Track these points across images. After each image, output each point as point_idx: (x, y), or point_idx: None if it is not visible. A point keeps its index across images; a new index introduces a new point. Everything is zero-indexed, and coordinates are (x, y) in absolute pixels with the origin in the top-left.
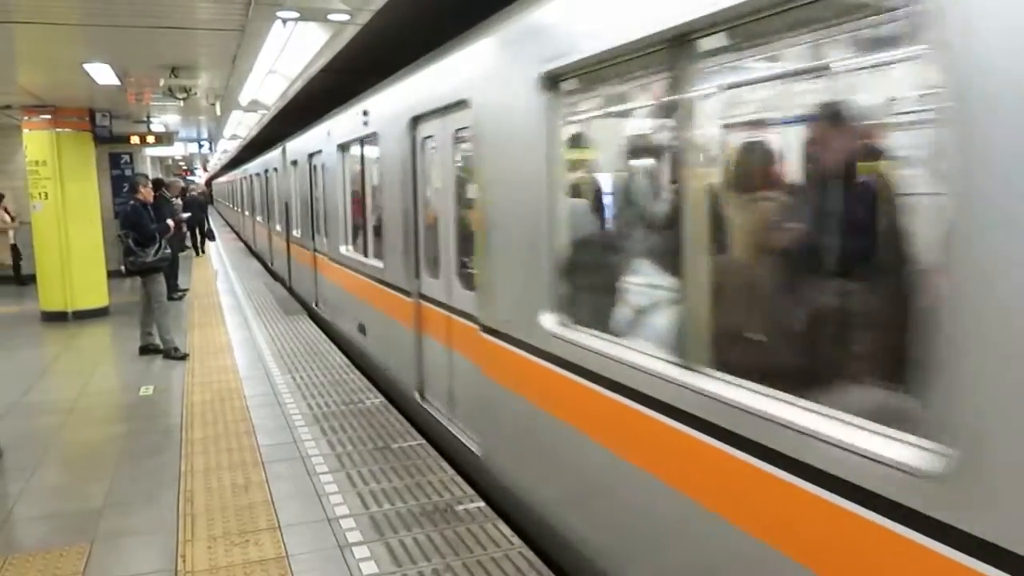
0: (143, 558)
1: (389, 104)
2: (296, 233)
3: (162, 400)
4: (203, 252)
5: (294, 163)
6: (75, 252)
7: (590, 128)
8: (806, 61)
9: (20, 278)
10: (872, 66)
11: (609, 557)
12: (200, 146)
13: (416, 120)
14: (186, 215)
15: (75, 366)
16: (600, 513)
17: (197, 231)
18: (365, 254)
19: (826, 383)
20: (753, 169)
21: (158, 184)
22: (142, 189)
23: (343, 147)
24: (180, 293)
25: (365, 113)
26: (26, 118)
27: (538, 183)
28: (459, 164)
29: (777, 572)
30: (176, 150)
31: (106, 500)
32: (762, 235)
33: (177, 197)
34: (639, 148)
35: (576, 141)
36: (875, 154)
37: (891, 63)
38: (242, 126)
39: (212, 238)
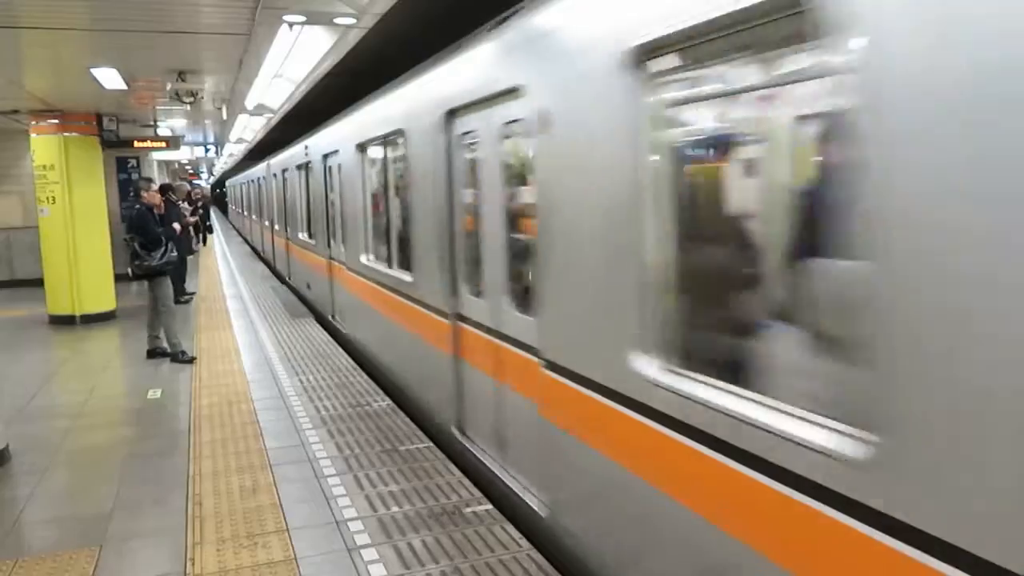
0: (152, 561)
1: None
2: (339, 248)
3: (170, 403)
4: (205, 244)
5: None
6: (82, 256)
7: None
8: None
9: None
10: None
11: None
12: (207, 150)
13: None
14: (193, 218)
15: (83, 370)
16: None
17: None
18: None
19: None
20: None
21: (165, 188)
22: (144, 193)
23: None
24: (187, 297)
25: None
26: (33, 123)
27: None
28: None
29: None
30: (183, 154)
31: (115, 503)
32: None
33: (184, 200)
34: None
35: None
36: None
37: None
38: (248, 130)
39: (211, 231)
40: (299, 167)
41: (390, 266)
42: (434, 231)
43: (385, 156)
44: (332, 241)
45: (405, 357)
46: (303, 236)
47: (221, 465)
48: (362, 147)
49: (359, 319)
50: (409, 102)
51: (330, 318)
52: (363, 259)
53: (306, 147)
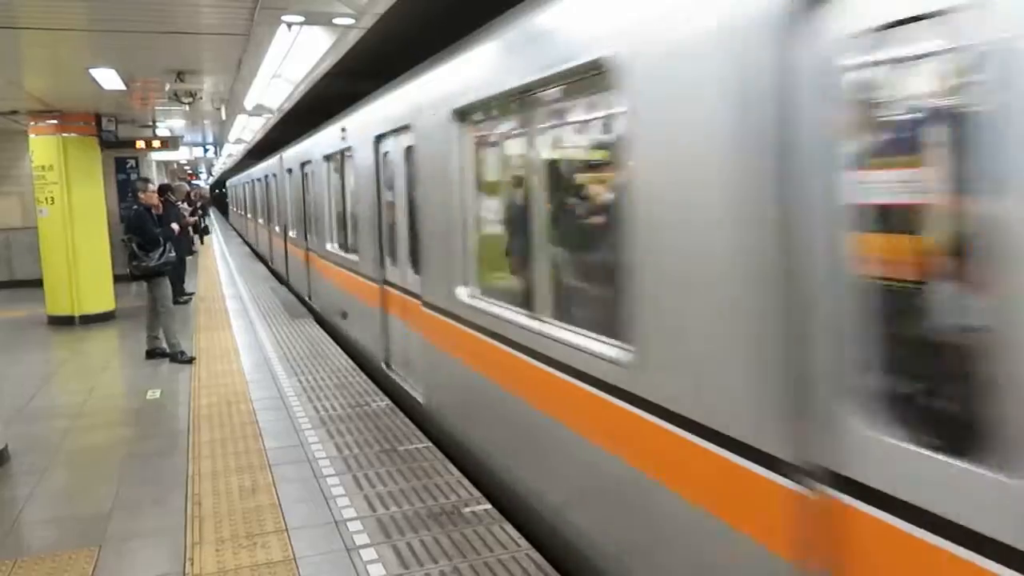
0: (152, 561)
1: None
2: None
3: (169, 404)
4: (202, 242)
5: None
6: (81, 257)
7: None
8: None
9: None
10: None
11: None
12: (205, 150)
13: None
14: (193, 219)
15: (82, 370)
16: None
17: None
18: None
19: None
20: None
21: (164, 189)
22: (141, 194)
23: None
24: (186, 297)
25: None
26: (32, 123)
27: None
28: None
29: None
30: (182, 154)
31: (114, 503)
32: None
33: (183, 201)
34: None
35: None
36: None
37: None
38: (247, 130)
39: (207, 232)
40: (328, 157)
41: (533, 312)
42: (732, 269)
43: (531, 124)
44: (389, 261)
45: (623, 519)
46: (333, 248)
47: (220, 465)
48: (466, 114)
49: (468, 400)
50: (635, 5)
51: (385, 367)
52: (465, 296)
53: (343, 129)
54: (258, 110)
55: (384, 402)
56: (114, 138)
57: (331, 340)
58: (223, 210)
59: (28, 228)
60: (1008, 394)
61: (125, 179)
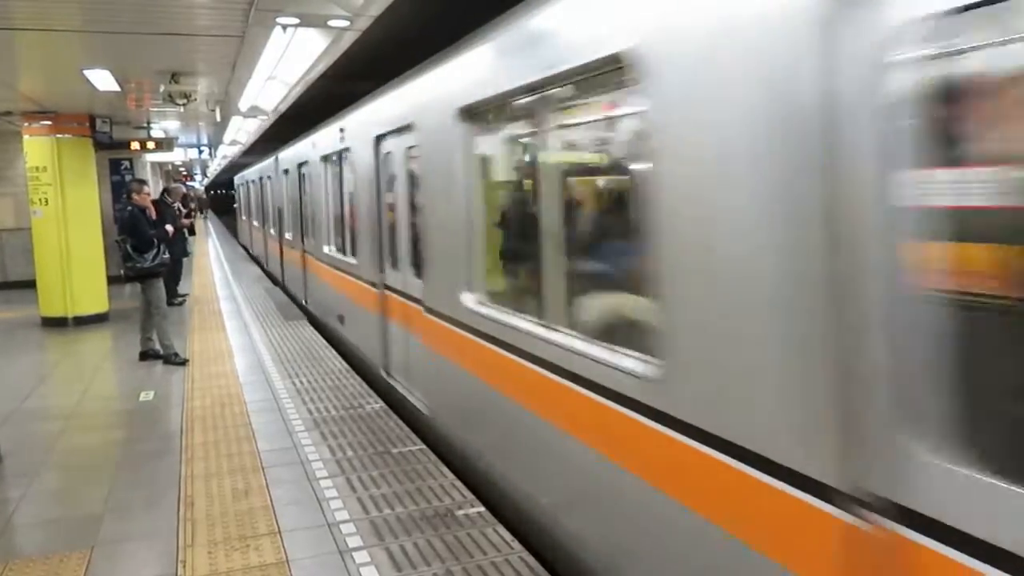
0: (144, 563)
1: None
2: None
3: (162, 405)
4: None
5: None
6: (75, 258)
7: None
8: None
9: None
10: None
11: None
12: (200, 152)
13: None
14: (188, 220)
15: (75, 372)
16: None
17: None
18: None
19: None
20: None
21: (165, 192)
22: (135, 196)
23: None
24: (180, 299)
25: None
26: (26, 124)
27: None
28: None
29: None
30: (176, 156)
31: (106, 505)
32: None
33: (178, 202)
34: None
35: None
36: None
37: None
38: (242, 132)
39: (192, 233)
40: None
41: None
42: (773, 282)
43: (543, 124)
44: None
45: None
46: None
47: (213, 467)
48: (472, 112)
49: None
50: None
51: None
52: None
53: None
54: (253, 112)
55: (378, 404)
56: (108, 139)
57: (327, 344)
58: (220, 213)
59: (22, 229)
60: None
61: (119, 180)
